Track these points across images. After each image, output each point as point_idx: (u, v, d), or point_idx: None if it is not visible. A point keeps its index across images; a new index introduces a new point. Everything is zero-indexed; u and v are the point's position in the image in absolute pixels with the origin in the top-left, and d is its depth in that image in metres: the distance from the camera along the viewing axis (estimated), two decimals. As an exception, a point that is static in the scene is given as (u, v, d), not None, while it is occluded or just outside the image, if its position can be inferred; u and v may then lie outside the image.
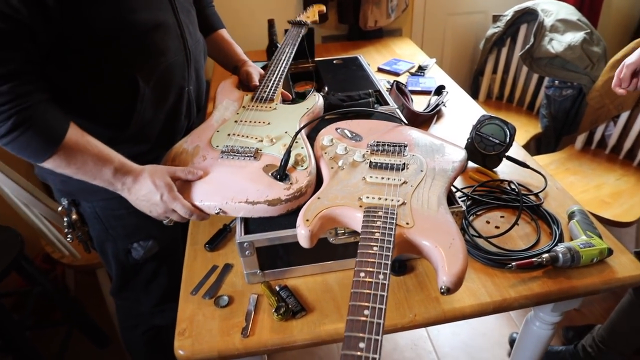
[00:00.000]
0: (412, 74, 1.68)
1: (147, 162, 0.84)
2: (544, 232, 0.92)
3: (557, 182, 1.07)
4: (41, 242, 1.57)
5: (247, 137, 0.92)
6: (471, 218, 0.97)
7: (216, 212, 0.80)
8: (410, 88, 1.52)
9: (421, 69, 1.70)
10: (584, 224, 0.90)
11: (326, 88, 1.29)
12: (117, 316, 1.28)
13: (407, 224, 0.71)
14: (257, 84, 1.11)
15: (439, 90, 1.45)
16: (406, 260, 0.86)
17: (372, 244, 0.66)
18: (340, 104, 1.14)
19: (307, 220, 0.73)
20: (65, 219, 0.97)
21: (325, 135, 0.93)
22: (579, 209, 0.94)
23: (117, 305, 1.25)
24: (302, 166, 0.84)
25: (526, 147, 1.84)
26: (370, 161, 0.85)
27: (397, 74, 1.69)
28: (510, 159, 1.11)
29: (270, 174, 0.83)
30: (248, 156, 0.87)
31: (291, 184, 0.80)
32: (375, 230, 0.68)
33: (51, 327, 1.78)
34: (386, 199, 0.75)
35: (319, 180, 0.85)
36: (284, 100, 1.08)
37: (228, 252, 0.91)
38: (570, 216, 0.94)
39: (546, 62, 1.83)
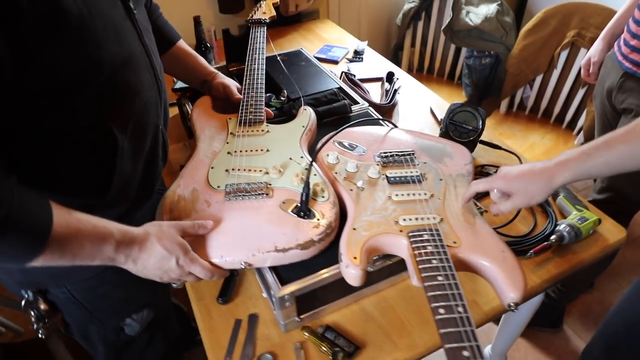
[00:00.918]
0: (351, 60, 1.65)
1: (129, 224, 0.72)
2: (537, 212, 0.98)
3: (526, 158, 1.14)
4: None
5: (250, 170, 0.82)
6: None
7: (241, 267, 0.71)
8: (358, 77, 1.49)
9: (358, 54, 1.67)
10: (571, 198, 0.98)
11: (285, 92, 1.21)
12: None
13: (455, 242, 0.70)
14: (239, 96, 0.99)
15: (390, 77, 1.44)
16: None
17: (434, 273, 0.63)
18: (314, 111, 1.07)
19: (355, 257, 0.68)
20: (32, 313, 0.78)
21: (329, 152, 0.86)
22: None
23: None
24: (322, 197, 0.77)
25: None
26: (387, 176, 0.82)
27: (335, 62, 1.64)
28: (484, 142, 1.15)
29: (291, 212, 0.75)
30: (259, 194, 0.77)
31: (318, 220, 0.74)
32: (430, 257, 0.66)
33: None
34: (423, 218, 0.73)
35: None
36: (268, 119, 0.98)
37: (245, 299, 0.82)
38: (555, 192, 1.01)
39: (465, 34, 1.92)
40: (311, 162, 0.79)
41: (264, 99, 0.97)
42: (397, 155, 0.86)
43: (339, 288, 0.76)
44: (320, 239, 0.71)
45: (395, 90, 1.37)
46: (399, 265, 0.81)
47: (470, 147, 1.14)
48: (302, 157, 0.85)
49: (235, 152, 0.86)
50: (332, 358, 0.71)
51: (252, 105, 0.96)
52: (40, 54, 0.56)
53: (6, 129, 0.58)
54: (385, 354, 0.74)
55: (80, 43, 0.60)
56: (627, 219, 1.40)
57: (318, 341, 0.74)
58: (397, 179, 0.81)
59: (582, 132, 1.72)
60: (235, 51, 1.33)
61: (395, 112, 1.31)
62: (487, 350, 1.40)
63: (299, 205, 0.75)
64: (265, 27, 1.23)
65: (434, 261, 0.65)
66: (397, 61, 2.28)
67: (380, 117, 1.02)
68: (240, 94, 1.01)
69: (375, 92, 1.43)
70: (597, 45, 1.41)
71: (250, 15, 1.29)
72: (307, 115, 0.96)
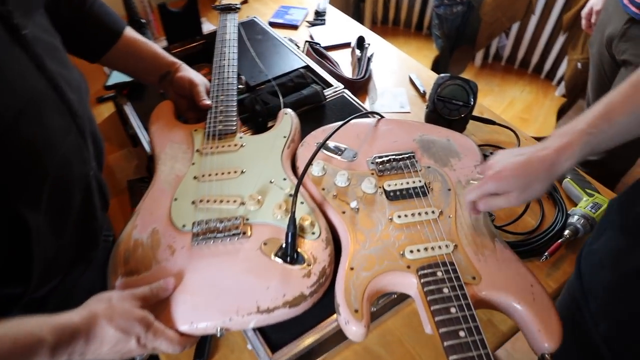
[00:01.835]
0: (312, 23, 1.44)
1: (66, 297, 0.56)
2: (543, 200, 0.88)
3: (523, 132, 1.02)
4: None
5: (221, 201, 0.66)
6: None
7: (217, 334, 0.57)
8: (323, 45, 1.30)
9: (319, 15, 1.47)
10: (579, 181, 0.88)
11: (243, 78, 1.01)
12: None
13: (474, 279, 0.58)
14: (208, 102, 0.80)
15: (360, 43, 1.26)
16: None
17: (455, 328, 0.52)
18: (278, 103, 0.89)
19: (357, 311, 0.55)
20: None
21: (315, 162, 0.71)
22: (567, 165, 0.91)
23: None
24: (312, 233, 0.62)
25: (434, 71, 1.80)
26: (385, 190, 0.68)
27: (294, 27, 1.43)
28: (476, 118, 1.02)
29: (275, 256, 0.60)
30: (234, 234, 0.62)
31: (309, 266, 0.60)
32: (448, 304, 0.54)
33: None
34: (433, 248, 0.60)
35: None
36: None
37: (227, 354, 0.69)
38: (560, 174, 0.90)
39: (433, -21, 1.73)
40: (297, 188, 0.63)
41: (236, 104, 0.79)
42: (394, 160, 0.72)
43: (339, 336, 0.64)
44: (313, 292, 0.58)
45: (369, 60, 1.20)
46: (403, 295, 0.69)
47: (462, 124, 1.01)
48: (284, 179, 0.69)
49: (202, 176, 0.69)
50: None
51: (222, 112, 0.77)
52: None
53: None
54: (402, 401, 0.64)
55: None
56: (617, 179, 1.35)
57: (322, 401, 0.62)
58: (398, 193, 0.67)
59: (563, 83, 1.62)
60: (177, 30, 1.11)
61: (372, 87, 1.15)
62: None
63: (284, 246, 0.60)
64: (237, 15, 1.02)
65: (453, 309, 0.54)
66: (359, 15, 2.07)
67: (367, 111, 0.85)
68: (209, 96, 0.83)
69: (344, 61, 1.25)
70: None
71: (218, 0, 1.07)
72: (288, 122, 0.79)
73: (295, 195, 0.62)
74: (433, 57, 1.89)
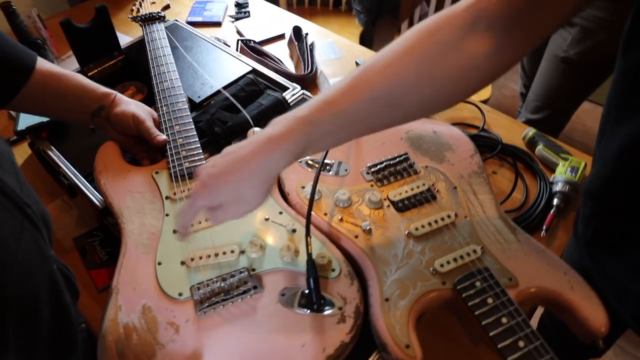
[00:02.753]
0: (236, 17, 1.31)
1: None
2: (521, 170, 0.88)
3: (484, 106, 1.01)
4: None
5: (216, 255, 0.56)
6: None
7: None
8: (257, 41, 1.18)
9: (241, 7, 1.34)
10: (552, 146, 0.89)
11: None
12: None
13: (510, 280, 0.55)
14: (163, 137, 0.68)
15: (298, 34, 1.17)
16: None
17: (512, 339, 0.49)
18: (244, 124, 0.78)
19: (408, 346, 0.50)
20: None
21: (304, 184, 0.63)
22: (536, 132, 0.91)
23: None
24: (332, 271, 0.55)
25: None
26: (392, 201, 0.62)
27: (217, 24, 1.30)
28: (437, 99, 0.99)
29: (299, 307, 0.52)
30: (244, 291, 0.53)
31: (340, 309, 0.53)
32: (498, 315, 0.51)
33: None
34: (462, 256, 0.56)
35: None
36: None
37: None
38: (531, 142, 0.91)
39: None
40: (307, 226, 0.55)
41: (195, 134, 0.68)
42: (390, 165, 0.66)
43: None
44: (353, 337, 0.51)
45: (312, 51, 1.12)
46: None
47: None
48: (280, 212, 0.60)
49: (183, 230, 0.58)
50: None
51: (184, 146, 0.66)
52: None
53: None
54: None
55: None
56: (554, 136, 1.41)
57: None
58: (407, 202, 0.62)
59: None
60: (88, 48, 0.93)
61: (322, 80, 1.07)
62: None
63: (306, 293, 0.53)
64: (163, 25, 0.87)
65: (504, 320, 0.51)
66: (272, -3, 1.95)
67: None
68: (158, 128, 0.70)
69: (283, 56, 1.15)
70: None
71: (134, 10, 0.91)
72: None
73: (307, 234, 0.54)
74: (358, 33, 1.85)
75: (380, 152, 0.69)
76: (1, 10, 0.98)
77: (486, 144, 0.90)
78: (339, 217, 0.60)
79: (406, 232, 0.59)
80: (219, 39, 1.13)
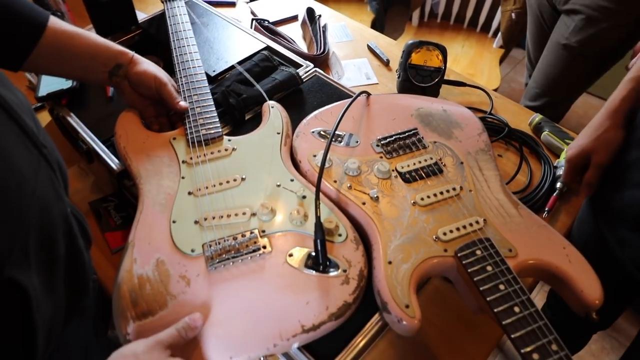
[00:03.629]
0: (250, -2, 1.33)
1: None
2: (526, 154, 0.90)
3: (493, 92, 1.03)
4: None
5: (229, 216, 0.58)
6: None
7: None
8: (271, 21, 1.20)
9: (255, -13, 1.35)
10: (557, 132, 0.90)
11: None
12: None
13: (510, 251, 0.57)
14: (185, 103, 0.70)
15: (311, 15, 1.19)
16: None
17: (509, 304, 0.51)
18: (258, 97, 0.80)
19: (407, 306, 0.52)
20: None
21: (316, 153, 0.65)
22: (542, 118, 0.93)
23: None
24: (339, 235, 0.57)
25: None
26: (400, 173, 0.64)
27: (232, 4, 1.31)
28: (447, 82, 1.01)
29: (306, 267, 0.55)
30: (254, 250, 0.55)
31: (345, 271, 0.55)
32: (496, 282, 0.53)
33: None
34: (465, 226, 0.59)
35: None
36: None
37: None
38: (538, 127, 0.93)
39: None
40: (317, 193, 0.57)
41: (213, 104, 0.70)
42: (399, 139, 0.68)
43: (378, 332, 0.61)
44: (356, 298, 0.54)
45: (324, 32, 1.14)
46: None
47: (434, 91, 0.99)
48: (292, 179, 0.62)
49: (199, 190, 0.61)
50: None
51: (201, 115, 0.68)
52: None
53: None
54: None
55: None
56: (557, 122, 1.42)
57: (374, 402, 0.60)
58: (414, 174, 0.64)
59: (499, 34, 1.67)
60: (108, 21, 0.96)
61: (334, 61, 1.09)
62: None
63: (314, 254, 0.55)
64: (183, 1, 0.89)
65: (502, 286, 0.53)
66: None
67: (361, 92, 0.78)
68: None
69: (296, 37, 1.17)
70: None
71: None
72: (277, 117, 0.71)
73: (317, 197, 0.57)
74: (370, 21, 1.86)
75: (390, 127, 0.71)
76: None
77: (493, 128, 0.92)
78: (348, 185, 0.63)
79: (412, 201, 0.61)
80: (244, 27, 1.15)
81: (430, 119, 0.72)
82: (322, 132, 0.69)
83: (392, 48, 1.14)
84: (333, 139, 0.68)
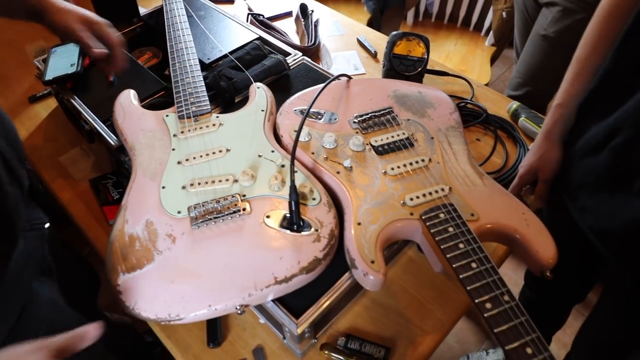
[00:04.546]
0: (247, -5, 1.39)
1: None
2: (504, 138, 0.94)
3: (475, 81, 1.08)
4: None
5: (213, 182, 0.64)
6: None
7: (237, 312, 0.56)
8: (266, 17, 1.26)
9: (253, -14, 1.42)
10: (533, 118, 0.95)
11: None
12: None
13: (472, 215, 0.62)
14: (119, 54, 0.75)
15: (304, 11, 1.25)
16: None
17: (467, 261, 0.56)
18: (247, 81, 0.86)
19: (373, 262, 0.57)
20: None
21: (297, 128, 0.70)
22: (519, 105, 0.98)
23: None
24: (313, 199, 0.62)
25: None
26: (374, 146, 0.69)
27: (230, 1, 1.38)
28: (430, 71, 1.06)
29: (281, 227, 0.60)
30: (234, 212, 0.61)
31: (317, 230, 0.60)
32: (456, 241, 0.58)
33: None
34: (431, 193, 0.63)
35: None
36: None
37: (240, 333, 0.69)
38: (515, 114, 0.97)
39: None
40: (292, 157, 0.62)
41: (203, 84, 0.76)
42: (375, 116, 0.73)
43: (351, 292, 0.66)
44: (326, 254, 0.59)
45: (316, 26, 1.19)
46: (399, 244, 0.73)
47: (418, 79, 1.04)
48: (272, 151, 0.68)
49: (187, 160, 0.66)
50: (370, 372, 0.62)
51: (192, 94, 0.74)
52: None
53: None
54: (417, 344, 0.67)
55: None
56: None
57: (344, 357, 0.64)
58: (386, 147, 0.69)
59: (491, 33, 1.71)
60: (111, 13, 1.02)
61: (324, 53, 1.15)
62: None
63: (288, 216, 0.60)
64: None
65: (461, 245, 0.57)
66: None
67: (340, 74, 0.83)
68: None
69: (290, 31, 1.23)
70: None
71: None
72: (263, 96, 0.77)
73: (292, 163, 0.62)
74: (366, 20, 1.91)
75: (367, 106, 0.76)
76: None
77: (472, 114, 0.97)
78: (325, 156, 0.68)
79: (383, 171, 0.66)
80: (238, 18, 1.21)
81: (405, 99, 0.77)
82: (303, 110, 0.74)
83: (381, 42, 1.19)
84: (313, 117, 0.73)
